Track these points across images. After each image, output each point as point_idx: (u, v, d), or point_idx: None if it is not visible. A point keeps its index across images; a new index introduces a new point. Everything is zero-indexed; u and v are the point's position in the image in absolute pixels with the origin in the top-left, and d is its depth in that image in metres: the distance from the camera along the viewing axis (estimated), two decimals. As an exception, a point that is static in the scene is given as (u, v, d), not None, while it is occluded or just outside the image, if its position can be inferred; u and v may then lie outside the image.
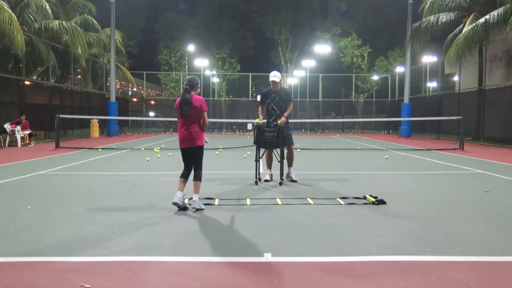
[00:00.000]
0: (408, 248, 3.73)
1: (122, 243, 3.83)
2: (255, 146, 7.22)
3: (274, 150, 7.43)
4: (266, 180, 7.33)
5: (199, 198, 5.18)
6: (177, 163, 10.27)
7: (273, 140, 6.99)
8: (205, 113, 5.28)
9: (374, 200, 5.60)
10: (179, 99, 5.34)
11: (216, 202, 5.56)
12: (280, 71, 39.08)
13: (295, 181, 7.29)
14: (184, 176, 5.34)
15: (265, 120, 7.32)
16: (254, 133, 7.32)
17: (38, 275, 3.08)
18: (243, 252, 3.61)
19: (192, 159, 5.34)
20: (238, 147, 15.47)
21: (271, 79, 7.29)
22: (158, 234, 4.13)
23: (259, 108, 7.48)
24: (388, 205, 5.45)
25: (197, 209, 5.09)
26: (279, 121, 7.01)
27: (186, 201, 5.26)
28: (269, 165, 7.52)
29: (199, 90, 5.40)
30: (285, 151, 7.41)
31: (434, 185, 7.25)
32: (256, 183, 7.03)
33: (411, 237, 4.05)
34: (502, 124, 17.44)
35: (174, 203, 5.08)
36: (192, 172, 5.37)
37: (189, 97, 5.18)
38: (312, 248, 3.73)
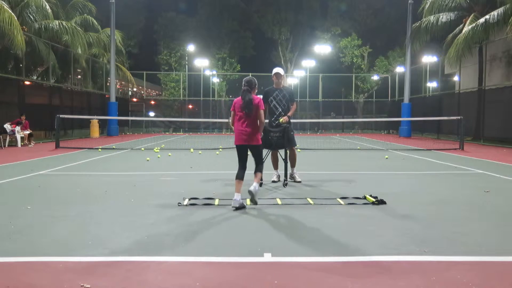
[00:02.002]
0: (408, 248, 3.73)
1: (122, 243, 3.83)
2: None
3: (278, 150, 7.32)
4: (273, 181, 7.24)
5: (257, 185, 5.35)
6: (177, 163, 10.31)
7: (278, 141, 6.82)
8: (261, 112, 5.50)
9: (374, 200, 5.59)
10: (238, 98, 5.54)
11: (216, 202, 5.55)
12: (280, 71, 39.37)
13: (299, 182, 7.22)
14: (241, 177, 5.42)
15: (267, 120, 7.23)
16: None
17: (38, 275, 3.08)
18: (243, 252, 3.61)
19: (253, 155, 5.58)
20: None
21: (274, 71, 7.15)
22: (158, 234, 4.13)
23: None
24: (388, 205, 5.45)
25: (254, 195, 5.21)
26: (281, 119, 6.87)
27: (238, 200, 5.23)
28: (276, 165, 7.40)
29: (256, 90, 5.63)
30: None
31: (434, 185, 7.25)
32: (260, 184, 6.91)
33: (411, 237, 4.05)
34: (502, 124, 17.44)
35: (235, 208, 5.13)
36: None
37: (251, 98, 5.40)
38: (312, 248, 3.73)
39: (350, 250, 3.67)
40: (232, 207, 5.16)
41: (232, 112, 5.63)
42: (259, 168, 5.54)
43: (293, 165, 7.40)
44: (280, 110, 7.15)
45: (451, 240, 3.95)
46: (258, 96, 5.65)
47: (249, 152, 5.60)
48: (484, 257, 3.51)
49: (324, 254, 3.57)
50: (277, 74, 7.13)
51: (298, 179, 7.28)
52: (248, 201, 5.37)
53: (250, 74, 33.70)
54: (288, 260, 3.43)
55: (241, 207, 5.18)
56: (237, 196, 5.18)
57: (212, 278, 3.03)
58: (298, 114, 32.05)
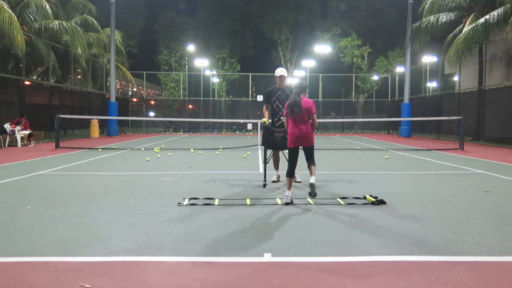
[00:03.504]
0: (408, 248, 3.73)
1: (122, 243, 3.83)
2: (262, 148, 7.07)
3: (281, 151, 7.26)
4: (273, 181, 7.23)
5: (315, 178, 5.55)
6: (177, 163, 10.31)
7: (282, 141, 6.74)
8: (315, 115, 5.74)
9: (374, 200, 5.60)
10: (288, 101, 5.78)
11: (216, 202, 5.56)
12: (280, 71, 39.30)
13: (299, 182, 7.20)
14: (291, 175, 5.65)
15: (270, 120, 7.17)
16: (262, 134, 7.16)
17: (38, 275, 3.08)
18: (243, 252, 3.61)
19: (305, 154, 5.77)
20: (238, 147, 15.47)
21: (278, 74, 7.09)
22: (158, 234, 4.13)
23: (264, 107, 7.24)
24: (388, 205, 5.45)
25: (313, 188, 5.40)
26: (283, 118, 6.85)
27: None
28: (277, 166, 7.34)
29: (307, 94, 5.88)
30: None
31: (434, 185, 7.24)
32: (264, 186, 6.85)
33: (411, 237, 4.05)
34: (502, 124, 17.44)
35: (287, 203, 5.41)
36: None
37: (299, 100, 5.63)
38: (312, 248, 3.73)
39: (350, 250, 3.67)
40: (284, 203, 5.43)
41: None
42: (312, 162, 5.73)
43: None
44: (283, 110, 7.12)
45: (451, 240, 3.95)
46: (310, 99, 5.80)
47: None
48: (484, 257, 3.51)
49: (324, 254, 3.57)
50: (282, 76, 7.10)
51: (298, 179, 7.27)
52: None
53: (250, 74, 33.79)
54: (288, 260, 3.43)
55: (291, 203, 5.45)
56: (288, 193, 5.50)
57: (212, 278, 3.03)
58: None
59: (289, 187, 5.56)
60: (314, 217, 4.84)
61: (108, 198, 5.89)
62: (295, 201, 5.70)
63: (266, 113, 7.19)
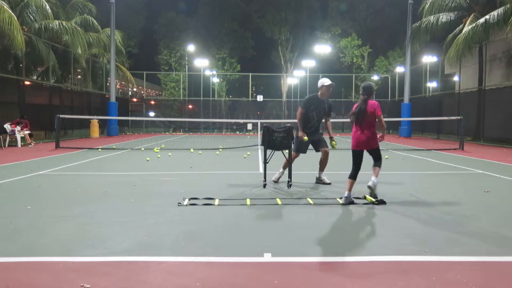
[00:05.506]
0: (408, 248, 3.73)
1: (122, 243, 3.83)
2: (262, 148, 7.04)
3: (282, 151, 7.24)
4: (274, 181, 7.18)
5: (375, 179, 5.56)
6: (177, 163, 10.31)
7: (282, 141, 6.75)
8: (381, 117, 5.60)
9: (374, 200, 5.60)
10: (356, 104, 5.72)
11: (216, 202, 5.56)
12: (280, 71, 39.05)
13: (329, 184, 7.13)
14: (353, 177, 5.65)
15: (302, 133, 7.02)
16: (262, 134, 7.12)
17: (38, 275, 3.08)
18: (243, 252, 3.61)
19: (372, 156, 5.74)
20: (238, 147, 15.47)
21: (326, 83, 6.94)
22: (158, 234, 4.13)
23: (299, 111, 7.06)
24: (388, 205, 5.45)
25: (373, 190, 5.50)
26: (333, 143, 6.98)
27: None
28: (286, 165, 7.16)
29: (373, 95, 5.79)
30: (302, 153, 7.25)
31: (434, 185, 7.25)
32: (264, 186, 6.83)
33: (411, 237, 4.05)
34: (502, 124, 17.45)
35: (345, 204, 5.46)
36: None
37: (364, 108, 5.55)
38: (312, 248, 3.73)
39: (350, 250, 3.67)
40: (344, 202, 5.48)
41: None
42: (378, 163, 5.69)
43: (322, 169, 7.26)
44: (316, 120, 7.09)
45: (451, 240, 3.95)
46: (376, 101, 5.70)
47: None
48: (484, 257, 3.51)
49: (324, 254, 3.57)
50: (331, 85, 6.97)
51: (327, 181, 7.18)
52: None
53: (250, 74, 33.79)
54: (288, 260, 3.43)
55: (350, 203, 5.49)
56: (348, 194, 5.52)
57: (212, 278, 3.03)
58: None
59: (350, 189, 5.56)
60: (314, 217, 4.84)
61: (108, 198, 5.89)
62: (295, 201, 5.71)
63: (301, 123, 7.01)
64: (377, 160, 5.72)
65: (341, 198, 5.82)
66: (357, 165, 5.70)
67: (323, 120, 7.23)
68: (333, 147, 7.06)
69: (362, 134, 5.59)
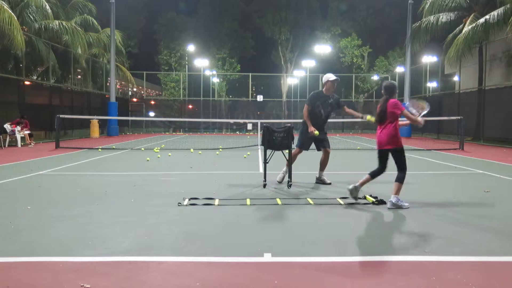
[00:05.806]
0: (408, 248, 3.73)
1: (122, 243, 3.83)
2: (262, 148, 7.01)
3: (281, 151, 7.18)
4: (278, 182, 7.13)
5: (397, 199, 5.28)
6: (177, 163, 10.30)
7: (282, 141, 6.74)
8: (405, 112, 5.50)
9: (374, 200, 5.60)
10: (379, 104, 5.59)
11: (216, 202, 5.56)
12: (280, 71, 39.03)
13: (329, 184, 7.12)
14: (372, 174, 5.54)
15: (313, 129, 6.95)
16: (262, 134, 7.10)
17: (38, 275, 3.08)
18: (243, 252, 3.61)
19: (394, 160, 5.48)
20: (238, 147, 15.47)
21: (331, 78, 6.91)
22: (158, 234, 4.13)
23: (305, 107, 7.02)
24: (388, 205, 5.44)
25: (394, 208, 5.24)
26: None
27: None
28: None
29: (396, 95, 5.65)
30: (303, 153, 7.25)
31: (434, 185, 7.25)
32: (264, 186, 6.82)
33: (411, 237, 4.05)
34: (502, 124, 17.45)
35: (351, 198, 5.52)
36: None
37: (385, 108, 5.45)
38: (312, 248, 3.73)
39: (350, 250, 3.67)
40: (349, 189, 5.56)
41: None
42: (399, 176, 5.37)
43: (323, 168, 7.25)
44: (323, 117, 7.05)
45: (451, 240, 3.95)
46: (395, 100, 5.56)
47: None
48: (484, 257, 3.51)
49: (324, 254, 3.57)
50: (336, 80, 6.93)
51: (327, 181, 7.17)
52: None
53: (250, 74, 33.80)
54: (288, 260, 3.43)
55: (354, 198, 5.55)
56: (353, 186, 5.53)
57: (212, 278, 3.03)
58: (298, 114, 32.06)
59: (360, 182, 5.54)
60: (314, 217, 4.84)
61: (108, 198, 5.89)
62: (295, 201, 5.71)
63: (309, 121, 6.95)
64: (400, 170, 5.40)
65: (341, 198, 5.82)
66: (381, 165, 5.56)
67: (338, 113, 7.20)
68: (370, 119, 6.46)
69: (382, 133, 5.51)
